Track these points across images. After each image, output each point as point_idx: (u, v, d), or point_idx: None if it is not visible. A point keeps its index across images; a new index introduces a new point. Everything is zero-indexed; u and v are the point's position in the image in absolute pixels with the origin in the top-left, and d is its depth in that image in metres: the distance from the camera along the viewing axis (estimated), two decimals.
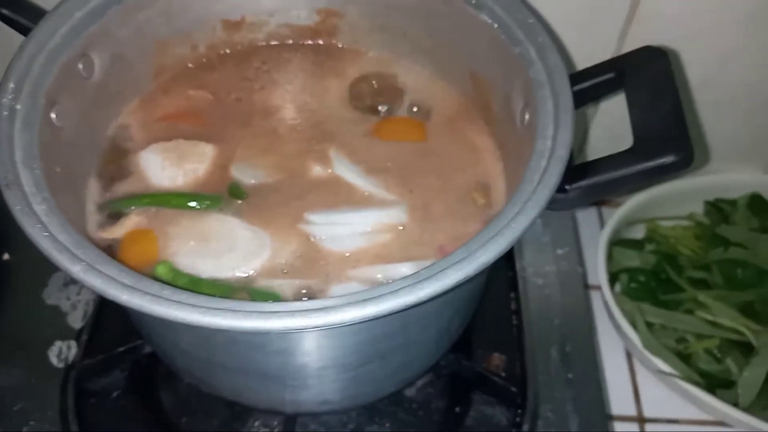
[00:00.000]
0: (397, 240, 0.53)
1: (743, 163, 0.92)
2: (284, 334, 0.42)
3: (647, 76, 0.47)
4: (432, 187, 0.57)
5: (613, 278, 0.85)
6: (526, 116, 0.49)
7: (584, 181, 0.45)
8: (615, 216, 0.86)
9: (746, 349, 0.77)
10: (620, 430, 0.78)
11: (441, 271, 0.38)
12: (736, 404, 0.74)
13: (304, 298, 0.49)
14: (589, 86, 0.51)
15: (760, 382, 0.75)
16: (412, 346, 0.52)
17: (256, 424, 0.62)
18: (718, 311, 0.79)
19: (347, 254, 0.52)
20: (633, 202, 0.88)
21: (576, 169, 0.45)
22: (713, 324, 0.79)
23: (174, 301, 0.38)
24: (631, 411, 0.80)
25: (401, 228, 0.54)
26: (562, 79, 0.47)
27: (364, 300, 0.37)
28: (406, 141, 0.59)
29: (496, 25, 0.52)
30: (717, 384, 0.77)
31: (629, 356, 0.83)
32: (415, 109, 0.62)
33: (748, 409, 0.74)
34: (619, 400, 0.80)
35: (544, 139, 0.45)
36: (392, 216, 0.54)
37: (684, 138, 0.43)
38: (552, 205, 0.45)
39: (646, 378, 0.81)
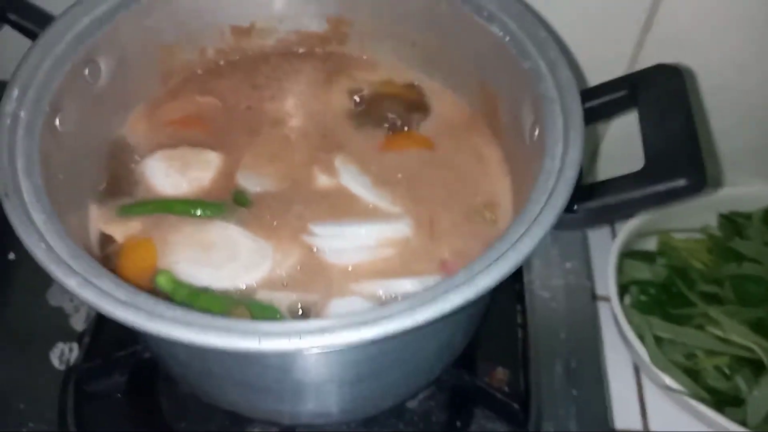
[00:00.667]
0: (400, 255, 0.53)
1: (759, 176, 0.90)
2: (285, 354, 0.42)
3: (660, 95, 0.46)
4: (439, 201, 0.56)
5: (623, 290, 0.84)
6: (536, 132, 0.48)
7: (593, 202, 0.44)
8: (626, 227, 0.85)
9: (757, 368, 0.76)
10: None
11: (440, 294, 0.37)
12: (744, 423, 0.73)
13: (300, 312, 0.49)
14: (601, 104, 0.50)
15: None
16: (411, 362, 0.51)
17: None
18: (728, 327, 0.78)
19: (349, 268, 0.52)
20: (645, 213, 0.87)
21: (585, 189, 0.44)
22: (724, 340, 0.78)
23: (168, 318, 0.38)
24: (638, 426, 0.79)
25: (405, 242, 0.53)
26: (573, 96, 0.46)
27: (360, 323, 0.36)
28: (415, 154, 0.59)
29: (507, 38, 0.51)
30: (726, 402, 0.76)
31: (637, 370, 0.82)
32: (425, 121, 0.61)
33: (756, 429, 0.72)
34: (626, 415, 0.79)
35: (553, 158, 0.44)
36: (397, 230, 0.53)
37: (697, 161, 0.41)
38: (559, 225, 0.44)
39: (654, 393, 0.80)
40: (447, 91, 0.62)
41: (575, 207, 0.44)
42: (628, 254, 0.86)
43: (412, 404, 0.64)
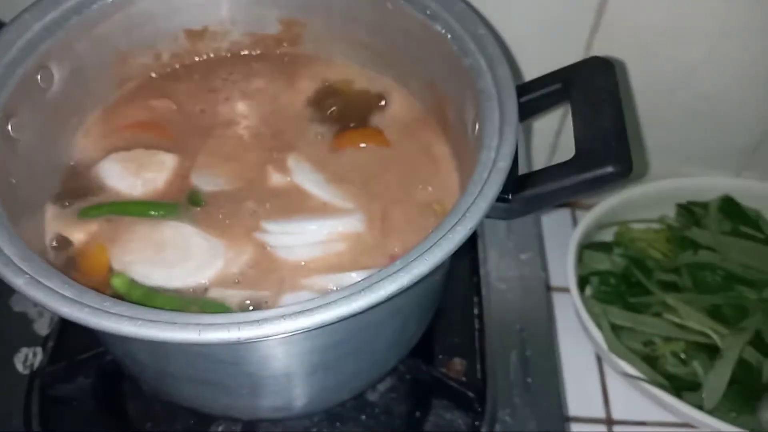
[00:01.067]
0: (351, 249, 0.54)
1: (715, 166, 0.92)
2: (227, 345, 0.43)
3: (591, 88, 0.48)
4: (392, 196, 0.57)
5: (584, 281, 0.86)
6: (476, 127, 0.50)
7: (527, 191, 0.45)
8: (586, 219, 0.87)
9: (713, 352, 0.78)
10: None
11: (376, 282, 0.39)
12: (701, 407, 0.75)
13: (250, 309, 0.50)
14: (536, 97, 0.51)
15: (724, 384, 0.76)
16: (365, 352, 0.53)
17: (219, 429, 0.62)
18: (685, 314, 0.80)
19: (301, 263, 0.53)
20: (605, 205, 0.89)
21: (520, 180, 0.46)
22: (680, 327, 0.80)
23: (113, 313, 0.39)
24: (600, 413, 0.80)
25: (357, 237, 0.54)
26: (509, 91, 0.48)
27: (298, 313, 0.37)
28: (369, 151, 0.60)
29: (449, 36, 0.53)
30: (683, 386, 0.78)
31: (599, 359, 0.84)
32: (377, 119, 0.62)
33: (712, 412, 0.74)
34: (588, 403, 0.81)
35: (489, 150, 0.45)
36: (348, 225, 0.55)
37: (623, 150, 0.43)
38: (496, 214, 0.45)
39: (615, 380, 0.82)
40: (399, 90, 0.64)
41: (510, 196, 0.45)
42: (588, 246, 0.88)
43: (373, 397, 0.65)
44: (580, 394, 0.81)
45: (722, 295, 0.82)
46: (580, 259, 0.86)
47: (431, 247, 0.40)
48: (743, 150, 0.89)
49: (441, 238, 0.41)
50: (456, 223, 0.41)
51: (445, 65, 0.54)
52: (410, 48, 0.58)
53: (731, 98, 0.82)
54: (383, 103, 0.63)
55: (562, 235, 0.89)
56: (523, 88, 0.50)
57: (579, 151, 0.45)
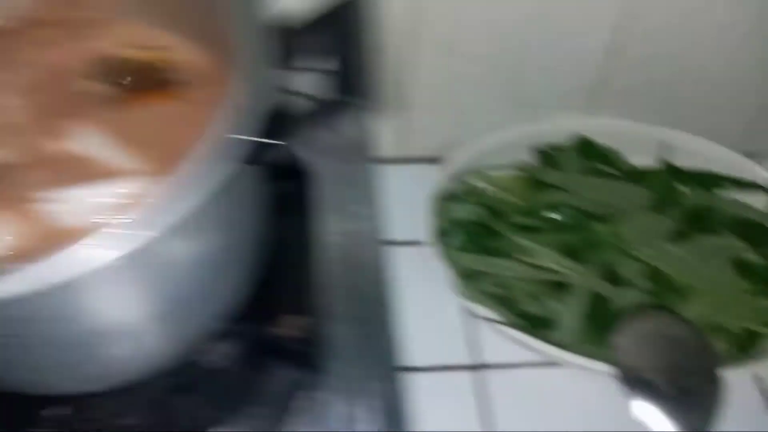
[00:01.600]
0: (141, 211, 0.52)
1: (566, 107, 0.93)
2: None
3: (348, 26, 0.47)
4: (181, 154, 0.55)
5: (443, 233, 0.86)
6: (248, 74, 0.49)
7: (284, 134, 0.45)
8: (443, 170, 0.87)
9: (567, 290, 0.79)
10: (457, 380, 0.79)
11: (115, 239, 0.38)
12: (559, 344, 0.76)
13: None
14: (302, 40, 0.50)
15: (578, 320, 0.78)
16: (164, 319, 0.52)
17: (49, 412, 0.61)
18: (537, 254, 0.81)
19: (87, 229, 0.51)
20: (462, 154, 0.89)
21: (276, 124, 0.45)
22: (535, 267, 0.81)
23: None
24: (467, 359, 0.81)
25: (143, 198, 0.53)
26: (269, 37, 0.47)
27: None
28: (157, 110, 0.58)
29: None
30: (542, 325, 0.79)
31: (462, 306, 0.84)
32: (165, 77, 0.60)
33: (570, 348, 0.76)
34: (454, 350, 0.81)
35: (248, 97, 0.45)
36: (136, 187, 0.53)
37: (372, 83, 0.43)
38: (253, 160, 0.45)
39: (481, 327, 0.83)
40: (185, 46, 0.61)
41: (270, 141, 0.45)
42: (445, 197, 0.88)
43: (210, 363, 0.64)
44: (446, 342, 0.82)
45: (575, 234, 0.83)
46: (437, 211, 0.86)
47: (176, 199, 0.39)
48: (590, 89, 0.91)
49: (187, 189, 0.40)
50: (204, 172, 0.40)
51: (223, 16, 0.53)
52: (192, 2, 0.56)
53: (570, 39, 0.83)
54: (176, 60, 0.61)
55: (418, 189, 0.88)
56: (289, 32, 0.49)
57: (334, 88, 0.45)
